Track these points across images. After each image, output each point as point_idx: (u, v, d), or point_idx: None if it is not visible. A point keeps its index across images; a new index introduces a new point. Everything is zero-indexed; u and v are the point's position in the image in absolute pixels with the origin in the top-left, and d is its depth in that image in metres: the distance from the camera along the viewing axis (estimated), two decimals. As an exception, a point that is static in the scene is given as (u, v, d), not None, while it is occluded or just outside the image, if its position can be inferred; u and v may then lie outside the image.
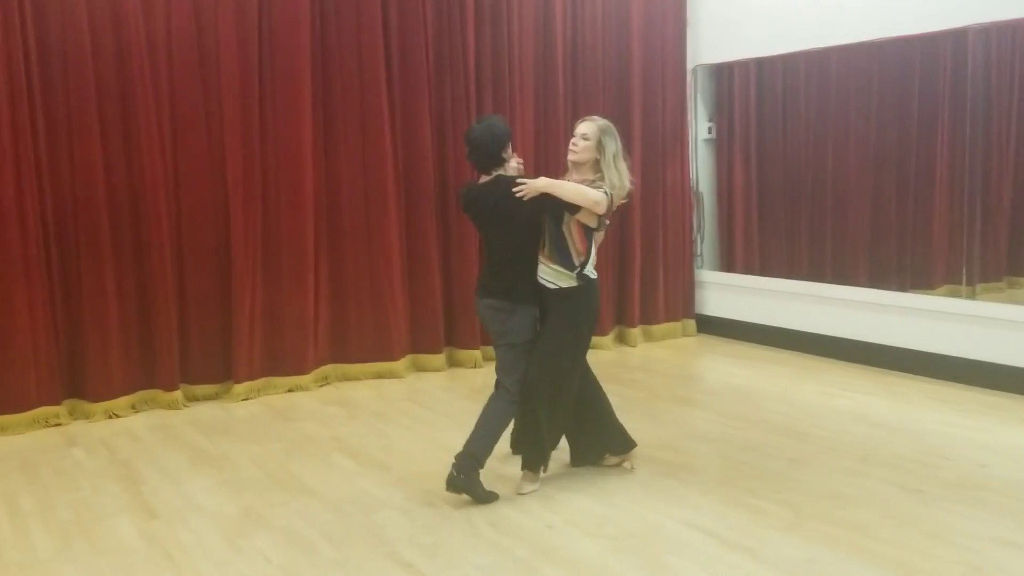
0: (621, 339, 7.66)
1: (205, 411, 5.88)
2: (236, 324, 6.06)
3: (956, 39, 6.13)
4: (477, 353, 6.82)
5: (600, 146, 4.22)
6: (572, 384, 4.32)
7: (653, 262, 7.70)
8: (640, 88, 7.52)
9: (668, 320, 7.81)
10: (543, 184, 4.11)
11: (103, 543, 3.89)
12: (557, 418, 4.31)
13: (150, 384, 5.91)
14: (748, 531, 3.86)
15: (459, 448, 4.23)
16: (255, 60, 6.03)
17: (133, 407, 5.84)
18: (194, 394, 6.06)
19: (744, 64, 7.60)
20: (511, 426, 4.48)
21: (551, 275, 4.23)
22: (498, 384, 4.36)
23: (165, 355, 5.87)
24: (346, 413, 5.79)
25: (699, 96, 7.90)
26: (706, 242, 8.02)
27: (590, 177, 4.23)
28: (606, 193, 4.13)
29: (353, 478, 4.60)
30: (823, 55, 7.00)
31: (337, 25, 6.33)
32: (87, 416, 5.69)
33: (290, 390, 6.26)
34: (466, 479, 4.14)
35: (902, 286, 6.73)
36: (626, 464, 4.61)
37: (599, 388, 4.55)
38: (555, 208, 4.13)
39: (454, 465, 4.16)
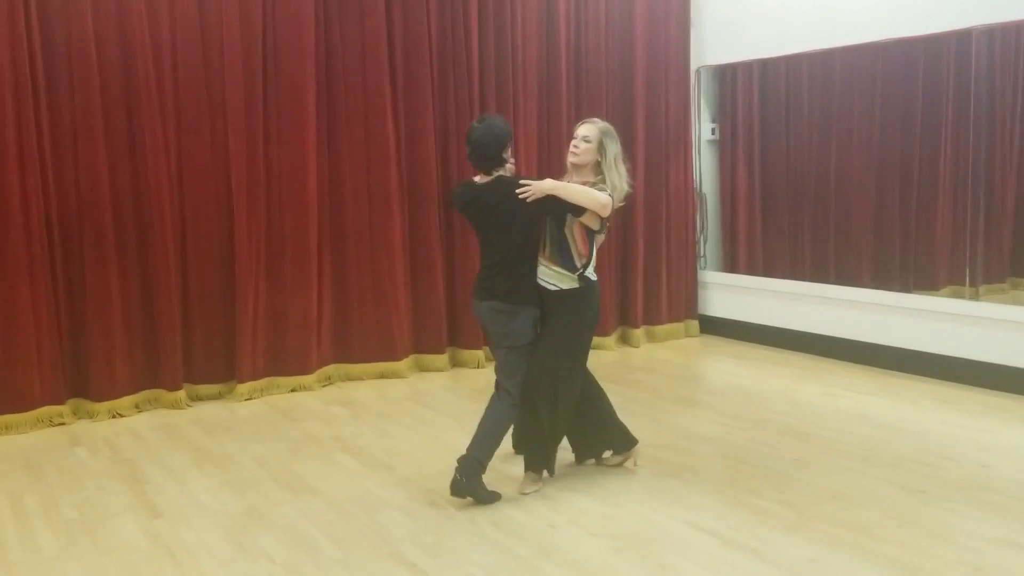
0: (624, 340, 7.66)
1: (208, 411, 5.89)
2: (239, 324, 6.07)
3: (960, 40, 6.14)
4: (480, 353, 6.83)
5: (601, 148, 4.21)
6: (574, 386, 4.32)
7: (656, 263, 7.70)
8: (643, 90, 7.52)
9: (671, 321, 7.82)
10: (549, 186, 4.10)
11: (107, 542, 3.90)
12: (559, 420, 4.30)
13: (154, 384, 5.93)
14: (750, 531, 3.86)
15: (462, 448, 4.24)
16: (259, 62, 6.04)
17: (137, 407, 5.85)
18: (197, 394, 6.07)
19: (747, 65, 7.60)
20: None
21: (552, 277, 4.23)
22: (498, 387, 4.34)
23: (169, 355, 5.88)
24: (349, 413, 5.80)
25: (702, 97, 7.90)
26: (709, 243, 8.03)
27: (591, 179, 4.22)
28: (609, 196, 4.14)
29: (356, 478, 4.61)
30: (826, 56, 7.00)
31: (341, 28, 6.34)
32: (91, 415, 5.70)
33: (293, 390, 6.27)
34: (469, 483, 4.14)
35: (905, 287, 6.73)
36: (628, 463, 4.61)
37: (598, 386, 4.56)
38: (559, 210, 4.12)
39: (457, 469, 4.17)
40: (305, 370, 6.31)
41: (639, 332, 7.63)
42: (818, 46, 6.90)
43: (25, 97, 5.38)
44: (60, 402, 5.62)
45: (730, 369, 6.90)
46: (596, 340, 6.88)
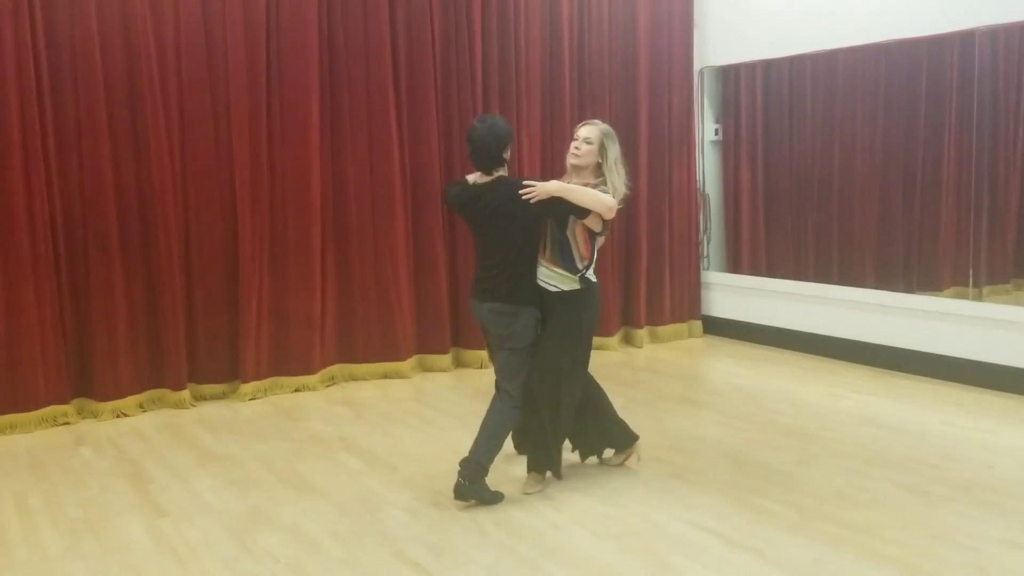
0: (627, 340, 7.66)
1: (212, 410, 5.90)
2: (243, 324, 6.09)
3: (963, 41, 6.13)
4: (483, 353, 6.82)
5: (603, 150, 4.21)
6: (575, 386, 4.32)
7: (659, 263, 7.70)
8: (647, 90, 7.53)
9: (674, 321, 7.82)
10: (555, 188, 4.09)
11: (111, 541, 3.91)
12: (561, 421, 4.30)
13: (158, 383, 5.94)
14: (754, 531, 3.86)
15: (465, 448, 4.24)
16: (263, 63, 6.05)
17: (141, 406, 5.86)
18: (201, 393, 6.09)
19: (751, 66, 7.60)
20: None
21: (553, 278, 4.22)
22: (499, 388, 4.32)
23: (173, 355, 5.89)
24: (353, 413, 5.81)
25: (706, 98, 7.90)
26: (712, 243, 8.02)
27: (591, 181, 4.21)
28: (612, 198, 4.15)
29: (360, 477, 4.62)
30: (830, 57, 7.00)
31: (344, 30, 6.35)
32: (95, 415, 5.72)
33: (297, 390, 6.28)
34: (472, 486, 4.14)
35: (909, 288, 6.73)
36: (630, 461, 4.62)
37: (597, 385, 4.56)
38: (562, 212, 4.12)
39: (460, 472, 4.17)
40: (309, 370, 6.32)
41: (642, 332, 7.63)
42: (821, 47, 6.90)
43: (30, 99, 5.40)
44: (64, 402, 5.63)
45: (733, 369, 6.90)
46: (599, 340, 6.90)
